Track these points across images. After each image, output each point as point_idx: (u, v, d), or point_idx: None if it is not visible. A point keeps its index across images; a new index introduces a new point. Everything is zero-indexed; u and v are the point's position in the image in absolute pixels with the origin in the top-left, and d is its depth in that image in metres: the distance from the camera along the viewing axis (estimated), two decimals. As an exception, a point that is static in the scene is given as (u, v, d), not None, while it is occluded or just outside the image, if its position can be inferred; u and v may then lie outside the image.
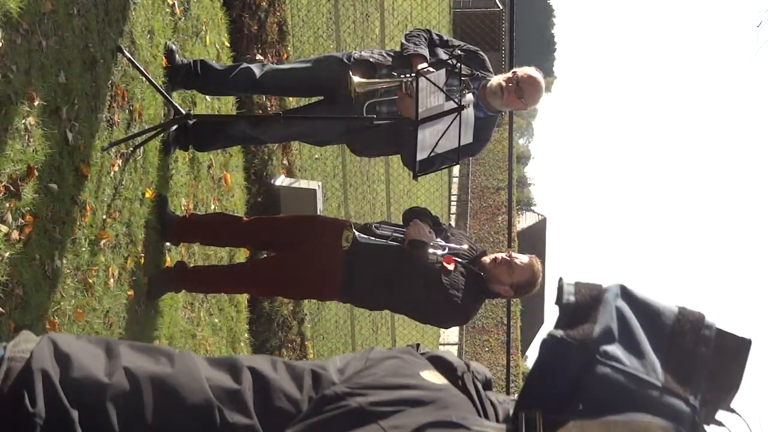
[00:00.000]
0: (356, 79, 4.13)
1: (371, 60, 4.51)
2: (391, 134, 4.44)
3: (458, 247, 4.38)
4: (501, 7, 22.81)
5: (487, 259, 4.39)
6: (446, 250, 4.33)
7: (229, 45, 5.86)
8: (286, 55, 6.91)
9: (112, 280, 3.89)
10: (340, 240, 4.19)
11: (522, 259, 4.36)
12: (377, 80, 4.35)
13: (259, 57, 6.25)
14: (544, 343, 1.51)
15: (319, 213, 6.71)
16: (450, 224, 4.78)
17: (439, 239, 4.33)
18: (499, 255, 4.38)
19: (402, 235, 4.28)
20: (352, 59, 4.55)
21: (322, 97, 4.76)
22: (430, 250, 4.26)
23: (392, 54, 4.59)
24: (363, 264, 4.29)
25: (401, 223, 4.48)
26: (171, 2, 4.68)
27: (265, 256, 6.06)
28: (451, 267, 4.28)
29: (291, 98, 6.86)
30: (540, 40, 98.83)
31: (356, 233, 4.15)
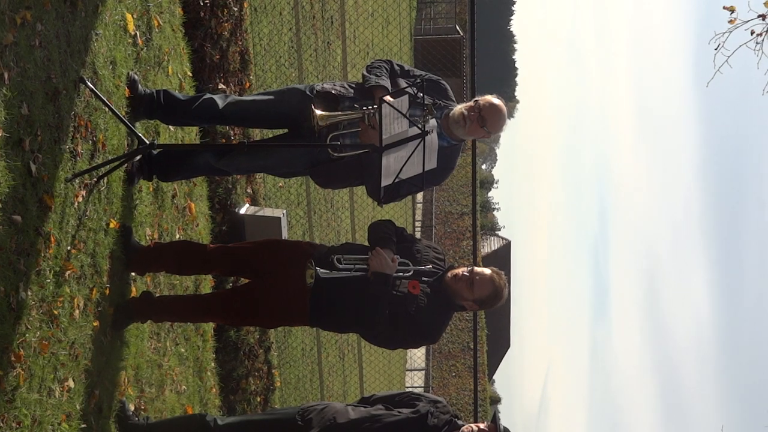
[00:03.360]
0: (319, 112, 4.15)
1: (333, 92, 4.52)
2: (355, 166, 4.44)
3: (423, 268, 4.41)
4: (462, 34, 23.01)
5: (449, 275, 4.42)
6: (411, 273, 4.36)
7: (191, 74, 5.87)
8: (248, 84, 6.93)
9: (77, 311, 3.87)
10: (305, 275, 4.18)
11: (483, 273, 4.39)
12: (340, 113, 4.35)
13: (221, 87, 6.26)
14: None
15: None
16: (416, 237, 4.79)
17: (402, 265, 4.35)
18: (460, 271, 4.41)
19: (365, 265, 4.29)
20: (314, 92, 4.56)
21: (285, 130, 4.78)
22: (395, 275, 4.28)
23: (354, 85, 4.61)
24: (329, 295, 4.30)
25: (366, 243, 4.49)
26: (133, 33, 4.69)
27: (232, 284, 6.06)
28: (416, 292, 4.30)
29: (254, 129, 6.86)
30: (501, 65, 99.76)
31: (318, 270, 4.14)
